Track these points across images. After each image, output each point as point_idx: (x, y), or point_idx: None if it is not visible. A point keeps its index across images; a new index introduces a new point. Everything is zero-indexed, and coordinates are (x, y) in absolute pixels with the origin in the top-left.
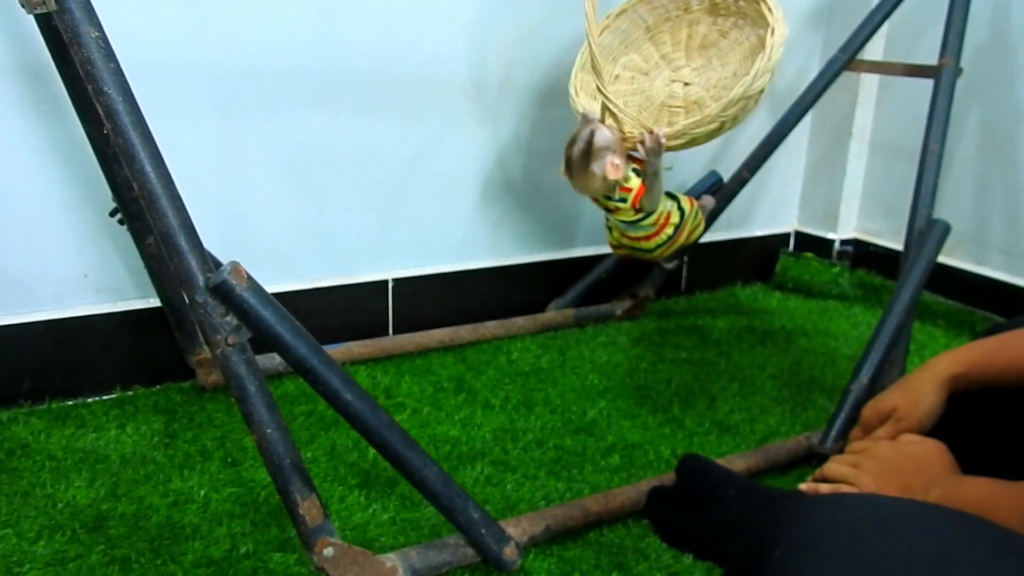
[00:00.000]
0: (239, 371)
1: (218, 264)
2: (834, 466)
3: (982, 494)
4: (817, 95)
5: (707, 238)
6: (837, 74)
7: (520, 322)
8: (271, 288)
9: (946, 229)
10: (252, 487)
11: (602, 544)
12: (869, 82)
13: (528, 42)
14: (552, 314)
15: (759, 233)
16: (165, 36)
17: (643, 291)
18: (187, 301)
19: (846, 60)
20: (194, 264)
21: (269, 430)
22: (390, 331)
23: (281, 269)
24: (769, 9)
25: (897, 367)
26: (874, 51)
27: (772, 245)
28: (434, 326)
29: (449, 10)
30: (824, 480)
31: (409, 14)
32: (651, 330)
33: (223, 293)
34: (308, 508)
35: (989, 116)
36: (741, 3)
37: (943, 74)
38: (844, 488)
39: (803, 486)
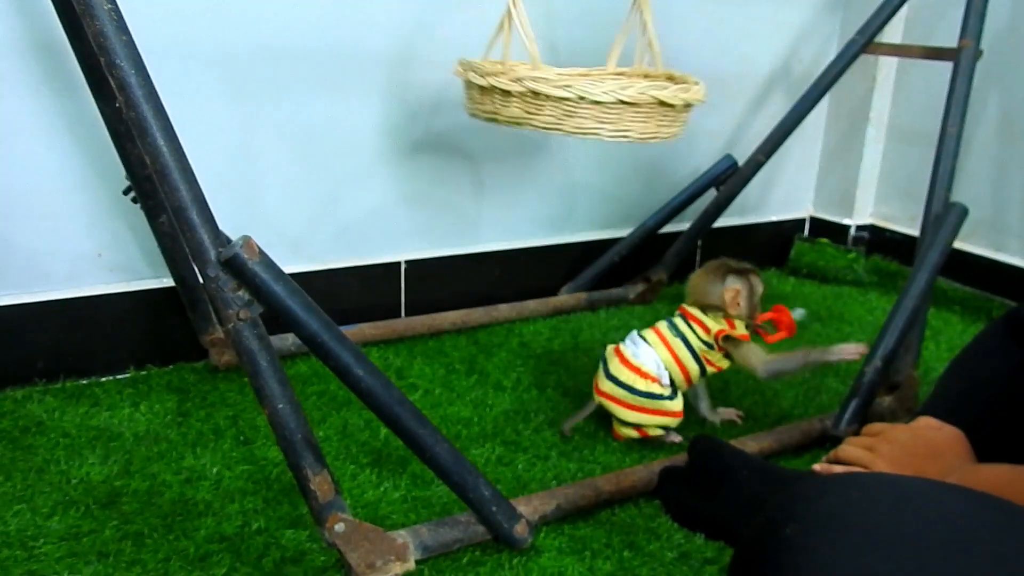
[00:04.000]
0: (251, 346)
1: (230, 241)
2: (848, 448)
3: (1000, 479)
4: (834, 79)
5: (722, 223)
6: (855, 57)
7: (532, 305)
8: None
9: (964, 212)
10: (264, 465)
11: (613, 523)
12: (887, 66)
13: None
14: (564, 297)
15: (774, 218)
16: (177, 16)
17: (656, 275)
18: (199, 276)
19: (864, 43)
20: (206, 238)
21: (281, 405)
22: (403, 313)
23: (293, 250)
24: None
25: (912, 352)
26: (892, 34)
27: (787, 230)
28: (446, 308)
29: None
30: (838, 462)
31: None
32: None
33: (235, 267)
34: (320, 484)
35: (1009, 100)
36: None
37: (962, 57)
38: (857, 471)
39: (817, 467)
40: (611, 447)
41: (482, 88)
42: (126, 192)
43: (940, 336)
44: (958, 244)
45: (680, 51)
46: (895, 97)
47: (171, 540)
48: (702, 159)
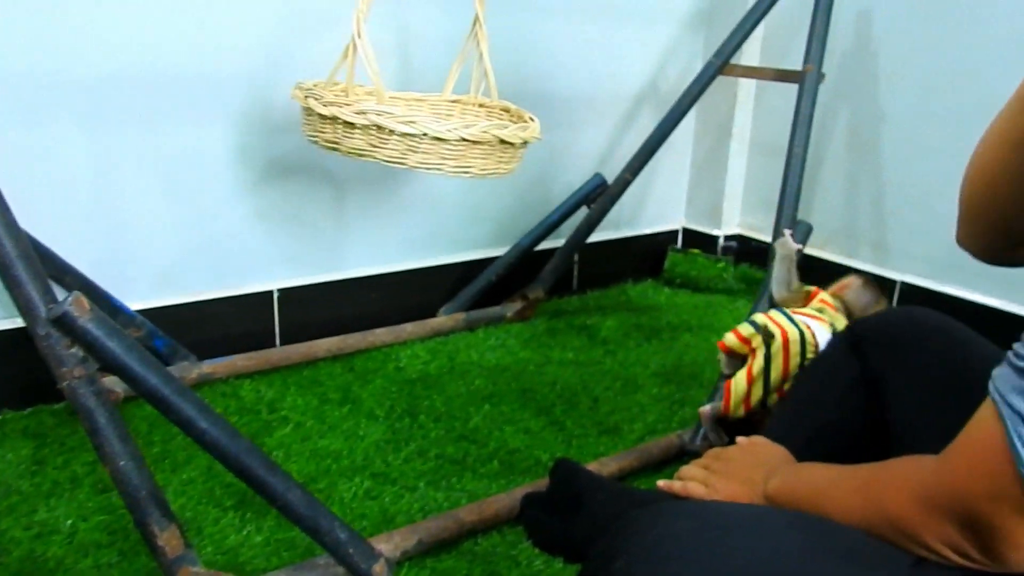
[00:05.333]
0: (88, 403)
1: (92, 290)
2: (687, 468)
3: (817, 483)
4: (694, 99)
5: (598, 237)
6: (712, 78)
7: (410, 328)
8: (151, 303)
9: (808, 230)
10: (122, 514)
11: (476, 553)
12: (747, 84)
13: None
14: (443, 319)
15: (648, 231)
16: (32, 44)
17: (534, 292)
18: (30, 334)
19: (720, 65)
20: (35, 295)
21: (123, 462)
22: (277, 342)
23: (162, 282)
24: (531, 119)
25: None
26: (751, 55)
27: (661, 242)
28: (324, 335)
29: (328, 12)
30: (681, 479)
31: (287, 19)
32: (541, 331)
33: (66, 325)
34: (168, 539)
35: (856, 117)
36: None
37: (807, 79)
38: (693, 486)
39: (661, 483)
40: (478, 474)
41: (323, 116)
42: None
43: None
44: (816, 252)
45: (549, 71)
46: (755, 113)
47: None
48: (574, 176)
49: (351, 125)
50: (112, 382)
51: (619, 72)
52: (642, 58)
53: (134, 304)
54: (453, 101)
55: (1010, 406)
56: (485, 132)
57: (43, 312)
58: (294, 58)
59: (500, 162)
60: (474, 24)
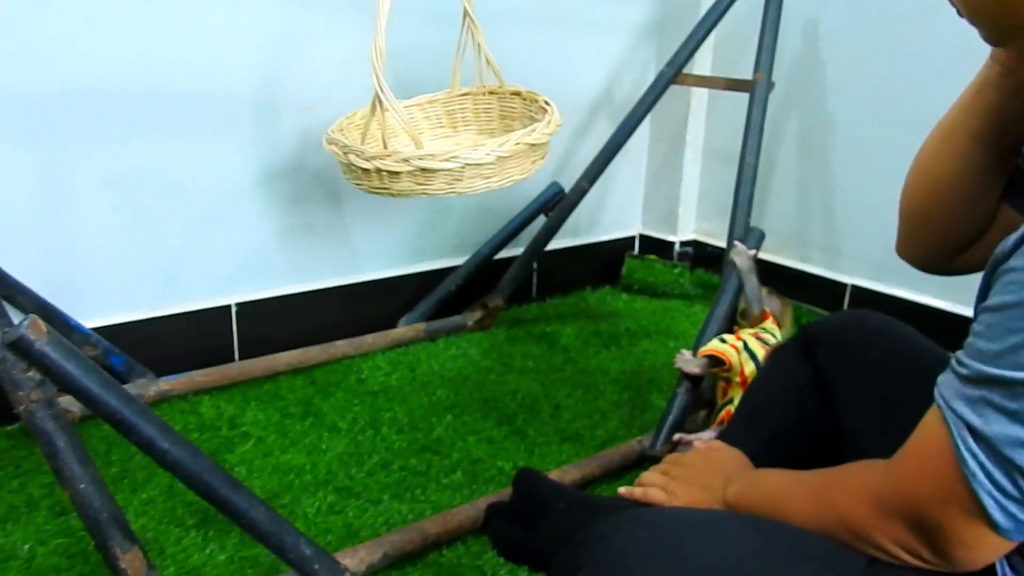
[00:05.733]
0: (46, 427)
1: (46, 309)
2: (647, 474)
3: (775, 488)
4: (648, 108)
5: (557, 244)
6: (665, 88)
7: (371, 339)
8: (105, 320)
9: (761, 236)
10: (82, 536)
11: (441, 565)
12: (700, 93)
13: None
14: (403, 329)
15: (606, 238)
16: None
17: (493, 301)
18: None
19: (672, 75)
20: None
21: (82, 485)
22: (236, 356)
23: (116, 299)
24: (547, 103)
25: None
26: (703, 64)
27: (619, 248)
28: (284, 348)
29: (284, 28)
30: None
31: (236, 34)
32: (502, 340)
33: (22, 348)
34: (130, 561)
35: (806, 125)
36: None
37: (757, 88)
38: (653, 492)
39: (622, 490)
40: (442, 485)
41: (366, 170)
42: None
43: None
44: (769, 258)
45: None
46: (708, 121)
47: None
48: (532, 185)
49: (396, 173)
50: (68, 401)
51: (574, 82)
52: (596, 68)
53: (89, 322)
54: (464, 95)
55: (954, 411)
56: (518, 144)
57: None
58: (251, 72)
59: (535, 160)
60: (464, 18)
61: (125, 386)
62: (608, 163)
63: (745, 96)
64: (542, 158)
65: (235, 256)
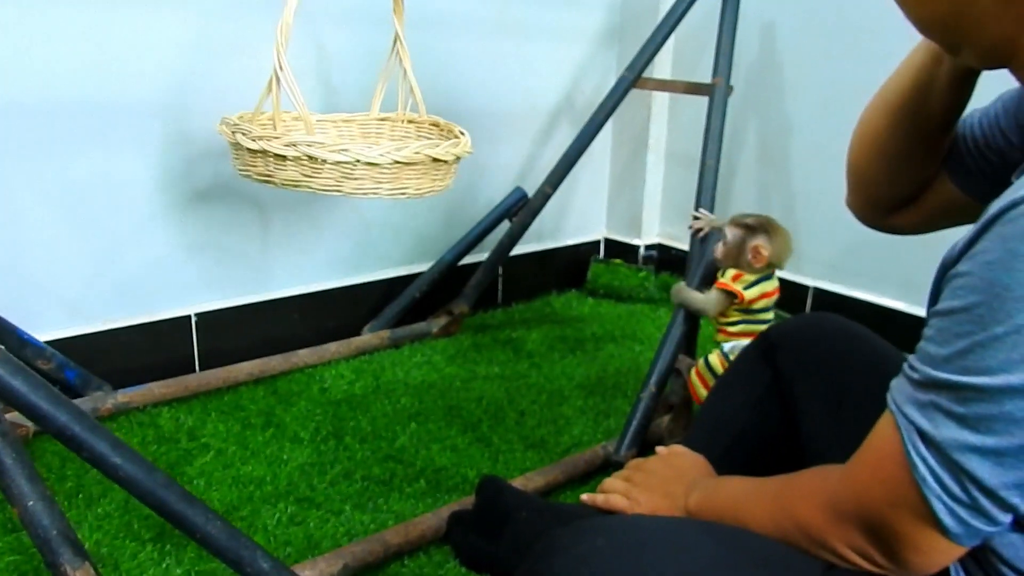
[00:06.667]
0: None
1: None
2: (610, 480)
3: (735, 496)
4: (608, 112)
5: (521, 249)
6: (625, 92)
7: (334, 348)
8: (59, 333)
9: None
10: (33, 553)
11: (402, 575)
12: (661, 97)
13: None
14: (367, 337)
15: (571, 242)
16: None
17: (458, 307)
18: None
19: (633, 79)
20: None
21: (31, 502)
22: (197, 367)
23: (69, 313)
24: (462, 132)
25: (684, 375)
26: (663, 68)
27: (584, 253)
28: (246, 359)
29: (233, 37)
30: (604, 492)
31: (196, 44)
32: (467, 346)
33: None
34: None
35: (765, 128)
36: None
37: (716, 92)
38: (615, 499)
39: (584, 497)
40: (405, 494)
41: (253, 151)
42: None
43: None
44: None
45: (466, 88)
46: (670, 125)
47: None
48: (495, 192)
49: (282, 158)
50: (20, 417)
51: (535, 87)
52: (557, 73)
53: (43, 335)
54: (382, 119)
55: (905, 416)
56: (417, 153)
57: None
58: (211, 83)
59: (435, 180)
60: (395, 42)
61: (82, 399)
62: (571, 168)
63: (706, 99)
64: (444, 179)
65: (195, 266)
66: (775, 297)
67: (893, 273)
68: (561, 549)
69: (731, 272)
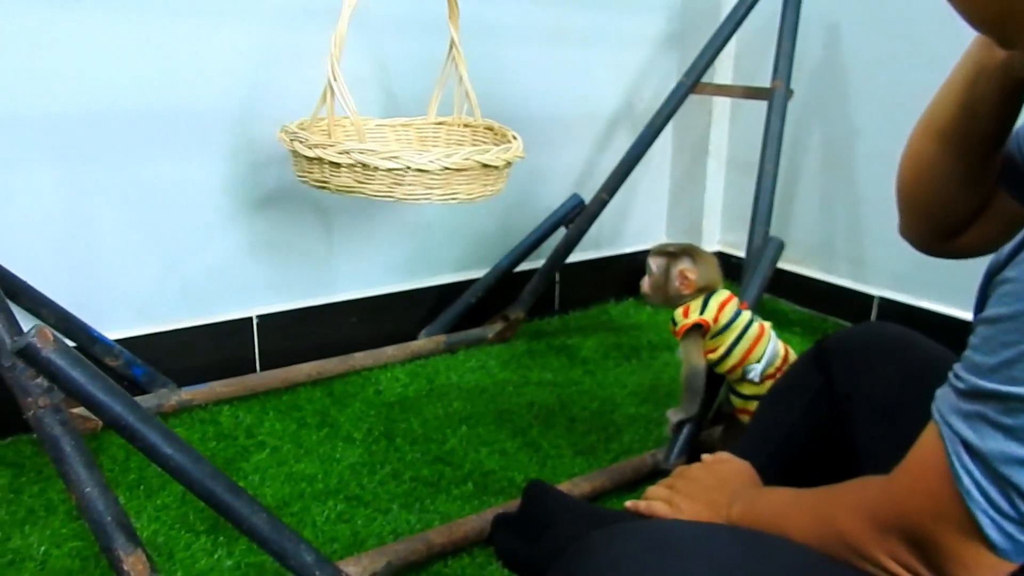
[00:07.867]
0: (53, 432)
1: (69, 321)
2: (654, 487)
3: (777, 506)
4: (666, 118)
5: (579, 256)
6: (683, 98)
7: (390, 351)
8: (127, 332)
9: (780, 246)
10: (95, 540)
11: (444, 575)
12: (722, 102)
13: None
14: (423, 341)
15: (629, 249)
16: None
17: (514, 313)
18: None
19: (691, 85)
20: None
21: (88, 489)
22: (257, 368)
23: (137, 314)
24: (514, 136)
25: None
26: (724, 72)
27: (642, 261)
28: (304, 360)
29: (295, 46)
30: (647, 499)
31: (266, 53)
32: (521, 352)
33: (29, 356)
34: (133, 564)
35: (829, 134)
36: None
37: (775, 96)
38: (657, 506)
39: (628, 504)
40: (452, 496)
41: (309, 158)
42: None
43: None
44: (794, 268)
45: (525, 95)
46: (731, 131)
47: None
48: (552, 198)
49: (337, 165)
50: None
51: (594, 93)
52: (616, 79)
53: (113, 334)
54: (439, 123)
55: (950, 427)
56: (467, 159)
57: (8, 344)
58: (275, 91)
59: (486, 185)
60: (451, 48)
61: (148, 395)
62: (628, 174)
63: (766, 104)
64: (496, 184)
65: (257, 269)
66: (735, 301)
67: (961, 283)
68: (594, 551)
69: (677, 312)
